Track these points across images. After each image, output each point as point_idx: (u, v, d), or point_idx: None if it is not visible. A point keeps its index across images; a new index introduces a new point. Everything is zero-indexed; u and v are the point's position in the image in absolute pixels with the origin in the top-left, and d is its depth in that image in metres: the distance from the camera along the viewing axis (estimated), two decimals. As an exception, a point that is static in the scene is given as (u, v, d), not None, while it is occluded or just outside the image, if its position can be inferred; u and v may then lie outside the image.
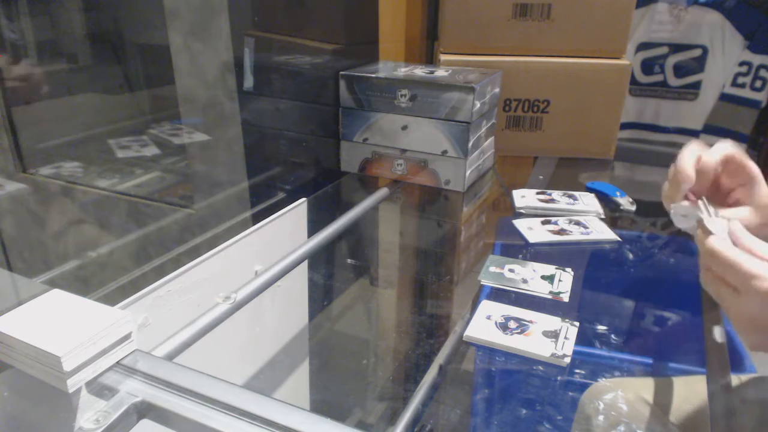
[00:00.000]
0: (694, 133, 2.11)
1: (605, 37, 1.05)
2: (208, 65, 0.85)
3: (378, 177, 0.96)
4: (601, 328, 0.89)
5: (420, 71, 0.94)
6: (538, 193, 0.96)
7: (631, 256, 0.88)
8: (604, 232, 0.84)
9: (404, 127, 0.91)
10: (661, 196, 0.55)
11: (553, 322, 0.64)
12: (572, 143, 1.12)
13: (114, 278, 0.76)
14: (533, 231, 0.83)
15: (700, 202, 0.52)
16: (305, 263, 0.81)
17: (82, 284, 0.94)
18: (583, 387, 0.67)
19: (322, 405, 0.99)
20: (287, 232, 0.77)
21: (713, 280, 0.46)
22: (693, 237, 0.50)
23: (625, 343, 0.87)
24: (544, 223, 0.86)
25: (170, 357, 0.48)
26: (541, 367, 0.60)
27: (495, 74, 0.97)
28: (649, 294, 0.93)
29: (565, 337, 0.61)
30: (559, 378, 0.65)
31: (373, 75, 0.91)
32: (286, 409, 0.35)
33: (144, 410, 0.37)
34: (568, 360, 0.58)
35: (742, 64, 1.99)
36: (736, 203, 0.53)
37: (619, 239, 0.82)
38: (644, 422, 0.61)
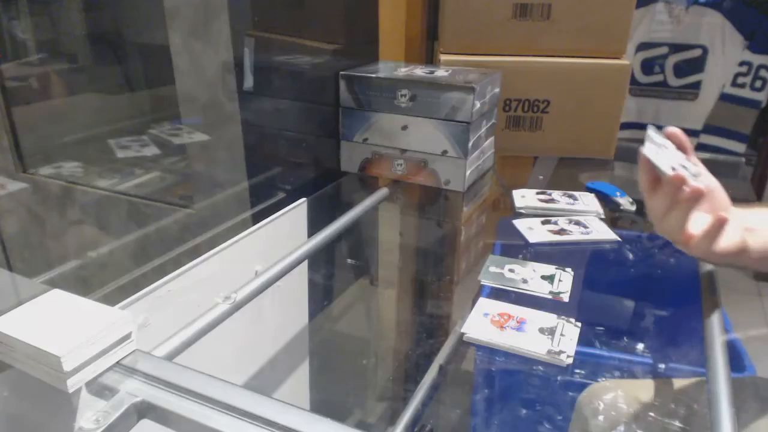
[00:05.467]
0: (694, 133, 2.11)
1: (605, 37, 1.05)
2: (208, 65, 0.85)
3: (378, 177, 0.96)
4: (601, 328, 0.89)
5: (420, 71, 0.94)
6: (538, 193, 0.96)
7: (631, 256, 0.88)
8: (604, 232, 0.84)
9: (404, 127, 0.91)
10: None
11: (548, 319, 0.64)
12: (572, 143, 1.12)
13: (114, 278, 0.76)
14: (533, 231, 0.83)
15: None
16: (305, 263, 0.81)
17: (82, 284, 0.94)
18: (583, 387, 0.67)
19: (322, 405, 0.99)
20: (287, 232, 0.77)
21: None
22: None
23: (625, 343, 0.88)
24: (544, 223, 0.86)
25: (170, 357, 0.48)
26: (541, 367, 0.60)
27: (495, 74, 0.97)
28: (649, 294, 0.93)
29: (561, 334, 0.61)
30: (559, 378, 0.65)
31: (373, 75, 0.91)
32: (286, 409, 0.35)
33: (144, 410, 0.37)
34: (568, 360, 0.58)
35: (742, 64, 1.99)
36: None
37: (619, 239, 0.82)
38: (642, 423, 0.61)
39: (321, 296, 0.99)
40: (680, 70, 2.07)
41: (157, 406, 0.36)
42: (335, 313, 1.09)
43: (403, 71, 0.94)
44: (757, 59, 1.96)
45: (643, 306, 0.93)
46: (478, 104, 0.88)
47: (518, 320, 0.64)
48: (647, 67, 2.10)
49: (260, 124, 0.93)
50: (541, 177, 1.10)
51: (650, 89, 2.12)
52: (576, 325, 0.63)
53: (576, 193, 0.96)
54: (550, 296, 0.68)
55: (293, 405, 0.35)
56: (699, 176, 0.57)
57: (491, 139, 1.03)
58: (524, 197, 0.95)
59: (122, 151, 1.01)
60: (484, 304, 0.67)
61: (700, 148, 2.11)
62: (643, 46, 2.08)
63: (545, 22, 1.05)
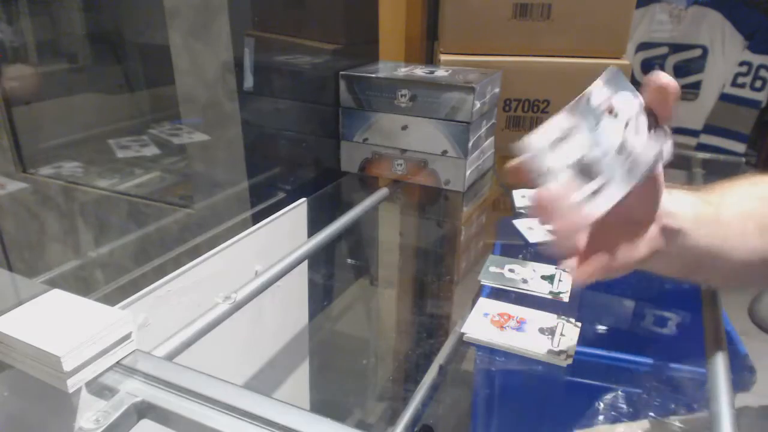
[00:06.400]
0: (694, 133, 2.11)
1: (605, 37, 1.05)
2: (208, 65, 0.85)
3: (378, 177, 0.96)
4: (601, 328, 0.89)
5: (420, 71, 0.94)
6: (538, 193, 0.96)
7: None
8: (604, 232, 0.84)
9: (404, 127, 0.91)
10: None
11: (549, 319, 0.64)
12: (572, 143, 1.12)
13: (114, 278, 0.76)
14: (533, 231, 0.83)
15: None
16: (305, 263, 0.81)
17: (82, 284, 0.95)
18: (582, 387, 0.67)
19: (322, 405, 0.99)
20: (287, 232, 0.77)
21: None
22: None
23: (625, 343, 0.87)
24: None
25: (170, 357, 0.48)
26: (540, 367, 0.60)
27: (495, 74, 0.97)
28: (649, 294, 0.93)
29: (561, 334, 0.61)
30: (559, 378, 0.65)
31: (373, 75, 0.91)
32: (286, 409, 0.35)
33: (144, 410, 0.37)
34: (568, 360, 0.58)
35: (742, 64, 2.00)
36: None
37: (619, 239, 0.82)
38: (642, 423, 0.61)
39: (321, 296, 0.99)
40: (680, 70, 2.07)
41: (157, 406, 0.36)
42: (335, 313, 1.09)
43: (403, 71, 0.94)
44: (757, 59, 1.96)
45: (643, 306, 0.92)
46: (478, 104, 0.88)
47: (518, 320, 0.64)
48: (647, 67, 2.10)
49: (260, 124, 0.93)
50: (541, 177, 1.10)
51: (650, 89, 2.11)
52: (576, 325, 0.63)
53: (576, 193, 0.96)
54: (550, 296, 0.68)
55: (293, 405, 0.35)
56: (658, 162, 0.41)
57: (491, 139, 1.03)
58: (524, 197, 0.95)
59: (122, 151, 1.01)
60: (484, 304, 0.67)
61: (700, 148, 2.11)
62: (643, 46, 2.08)
63: (545, 22, 1.05)
